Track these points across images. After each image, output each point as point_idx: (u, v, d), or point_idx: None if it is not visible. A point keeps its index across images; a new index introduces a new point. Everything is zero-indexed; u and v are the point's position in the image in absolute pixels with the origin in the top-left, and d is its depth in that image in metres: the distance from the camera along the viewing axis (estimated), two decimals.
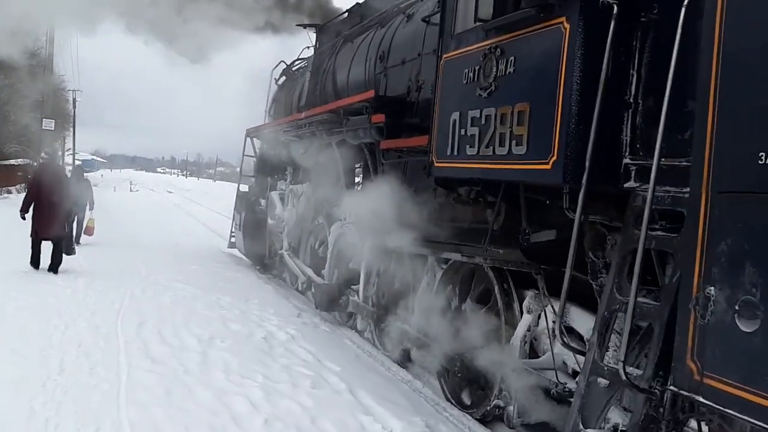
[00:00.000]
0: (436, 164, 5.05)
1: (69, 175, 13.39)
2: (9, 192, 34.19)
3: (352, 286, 8.49)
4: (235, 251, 14.21)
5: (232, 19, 12.34)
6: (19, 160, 37.32)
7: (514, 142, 4.00)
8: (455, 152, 4.74)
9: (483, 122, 4.37)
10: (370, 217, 8.22)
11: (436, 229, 6.10)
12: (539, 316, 5.09)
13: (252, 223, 12.36)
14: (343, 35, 9.99)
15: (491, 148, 4.25)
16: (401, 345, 7.00)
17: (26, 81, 34.38)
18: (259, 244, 12.25)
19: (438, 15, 6.50)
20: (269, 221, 11.04)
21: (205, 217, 25.58)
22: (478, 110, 4.43)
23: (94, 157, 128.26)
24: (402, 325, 6.81)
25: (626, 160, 3.64)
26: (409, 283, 6.98)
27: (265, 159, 12.86)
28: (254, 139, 13.20)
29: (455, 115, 4.74)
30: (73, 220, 13.22)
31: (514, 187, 4.45)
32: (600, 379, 3.56)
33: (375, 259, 7.79)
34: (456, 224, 5.77)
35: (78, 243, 13.57)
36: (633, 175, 3.61)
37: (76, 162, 61.48)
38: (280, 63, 13.09)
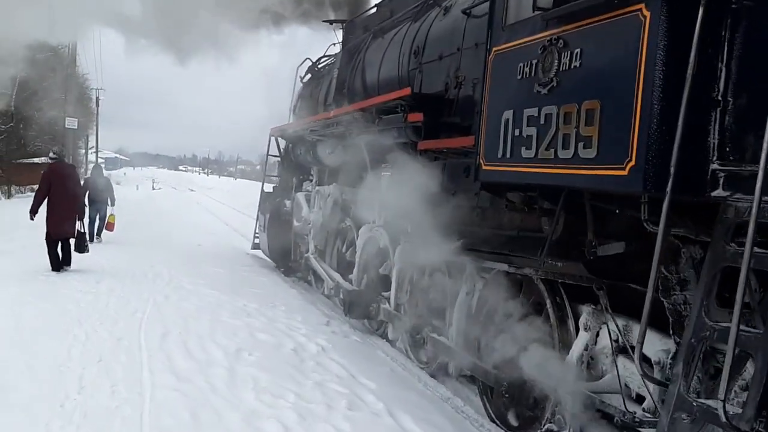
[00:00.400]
0: (484, 167, 4.63)
1: (89, 173, 14.09)
2: (33, 190, 34.28)
3: (383, 293, 8.11)
4: (259, 252, 13.90)
5: (255, 16, 12.04)
6: (42, 158, 37.49)
7: (581, 145, 3.56)
8: (508, 155, 4.32)
9: (542, 122, 3.94)
10: (402, 221, 7.87)
11: (477, 236, 5.70)
12: (597, 334, 4.66)
13: (277, 224, 12.02)
14: (373, 30, 9.59)
15: (552, 150, 3.82)
16: (438, 358, 6.60)
17: (49, 79, 34.50)
18: (283, 247, 11.91)
19: (479, 7, 6.10)
20: (295, 223, 10.68)
21: (228, 216, 25.36)
22: (536, 108, 4.00)
23: (117, 155, 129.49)
24: (439, 337, 6.41)
25: (714, 166, 3.19)
26: (446, 292, 6.57)
27: (289, 159, 12.53)
28: (279, 138, 12.85)
29: (508, 114, 4.32)
30: (95, 217, 14.45)
31: (576, 194, 4.02)
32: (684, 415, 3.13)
33: (408, 266, 7.40)
34: (501, 231, 5.34)
35: (99, 238, 14.61)
36: (721, 182, 3.17)
37: (99, 161, 61.94)
38: (305, 60, 12.71)
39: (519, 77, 4.22)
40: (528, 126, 4.09)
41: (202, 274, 10.32)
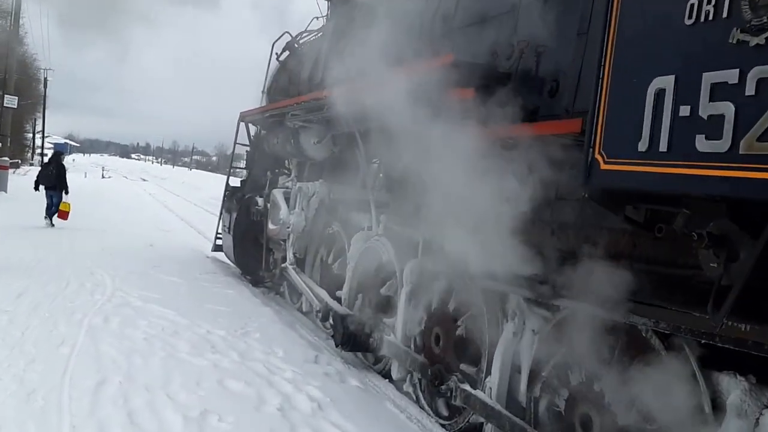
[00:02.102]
0: (604, 166, 2.99)
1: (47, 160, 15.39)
2: None
3: (385, 320, 6.44)
4: (221, 256, 12.07)
5: None
6: None
7: None
8: (659, 146, 2.69)
9: (749, 92, 2.33)
10: (417, 232, 6.21)
11: (550, 262, 4.09)
12: (757, 420, 3.08)
13: (245, 226, 10.20)
14: None
15: None
16: (468, 416, 4.97)
17: None
18: (253, 253, 10.12)
19: None
20: (270, 226, 8.88)
21: (184, 211, 23.26)
22: (735, 71, 2.39)
23: (67, 141, 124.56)
24: (474, 392, 4.78)
25: None
26: (481, 329, 4.94)
27: (262, 149, 10.73)
28: (249, 124, 11.02)
29: (662, 82, 2.69)
30: (50, 203, 14.79)
31: None
32: None
33: (424, 289, 5.75)
34: (598, 258, 3.71)
35: (51, 224, 14.57)
36: None
37: (47, 146, 58.60)
38: (283, 34, 10.90)
39: (690, 20, 2.59)
40: (713, 100, 2.47)
41: (154, 285, 8.46)
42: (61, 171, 15.35)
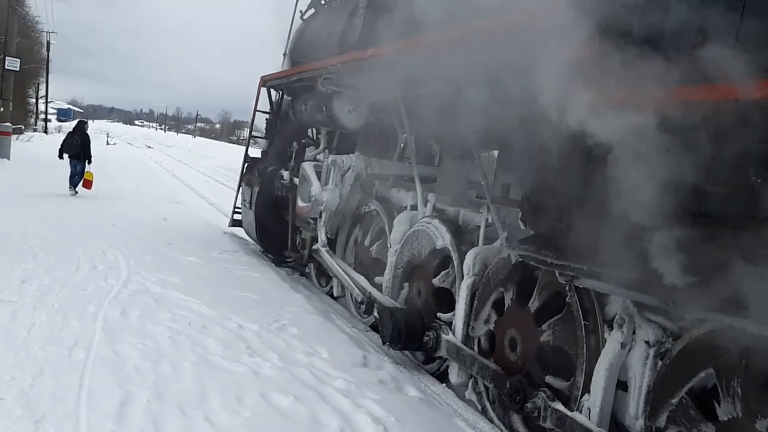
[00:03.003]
0: None
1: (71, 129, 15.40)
2: None
3: (440, 315, 5.65)
4: (238, 231, 11.27)
5: None
6: None
7: None
8: None
9: None
10: (477, 214, 5.41)
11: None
12: None
13: (268, 201, 9.35)
14: None
15: None
16: None
17: None
18: (277, 231, 9.30)
19: None
20: (299, 203, 8.03)
21: (193, 180, 22.44)
22: None
23: (71, 107, 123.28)
24: (570, 413, 3.98)
25: None
26: (575, 336, 4.14)
27: (287, 117, 9.84)
28: (271, 90, 10.11)
29: None
30: (73, 172, 14.91)
31: None
32: None
33: (492, 283, 4.93)
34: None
35: (75, 192, 14.69)
36: None
37: (50, 111, 57.56)
38: None
39: None
40: None
41: (173, 267, 7.65)
42: (86, 140, 15.42)
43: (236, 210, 11.18)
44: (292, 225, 8.86)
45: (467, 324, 5.18)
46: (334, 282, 7.88)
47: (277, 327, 5.78)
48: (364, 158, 7.40)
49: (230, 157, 38.33)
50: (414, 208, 6.72)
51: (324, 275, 8.71)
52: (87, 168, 15.07)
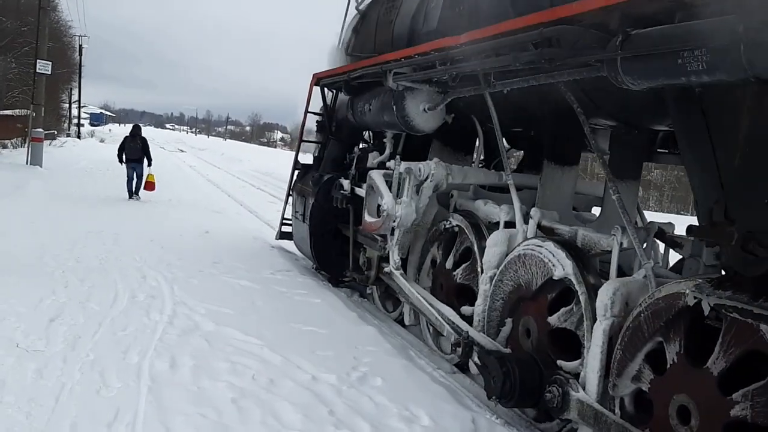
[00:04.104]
0: None
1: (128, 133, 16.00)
2: (4, 146, 30.02)
3: (562, 364, 4.51)
4: (287, 244, 10.28)
5: None
6: (17, 110, 33.10)
7: None
8: None
9: None
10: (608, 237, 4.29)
11: None
12: None
13: (325, 214, 8.29)
14: None
15: None
16: None
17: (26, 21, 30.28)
18: (335, 248, 8.25)
19: None
20: (366, 218, 6.94)
21: (230, 186, 21.54)
22: None
23: (103, 111, 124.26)
24: None
25: None
26: None
27: (343, 118, 8.77)
28: (325, 89, 9.03)
29: None
30: (132, 176, 15.32)
31: None
32: None
33: (647, 328, 3.79)
34: None
35: (137, 196, 15.18)
36: None
37: (83, 115, 57.48)
38: None
39: None
40: None
41: (223, 293, 6.63)
42: (146, 143, 15.93)
43: (285, 221, 10.17)
44: (353, 241, 7.79)
45: (604, 379, 4.05)
46: (406, 309, 6.81)
47: (357, 377, 4.69)
48: (444, 166, 6.30)
49: (265, 160, 37.56)
50: (509, 225, 5.63)
51: (390, 298, 7.64)
52: (148, 171, 15.55)
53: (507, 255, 5.27)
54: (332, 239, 8.36)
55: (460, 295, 6.03)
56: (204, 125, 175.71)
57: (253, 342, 5.12)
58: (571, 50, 4.10)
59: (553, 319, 4.66)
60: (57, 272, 6.88)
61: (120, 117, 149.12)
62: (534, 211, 5.29)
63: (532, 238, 5.06)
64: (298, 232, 9.08)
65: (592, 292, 4.28)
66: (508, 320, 5.19)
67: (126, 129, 29.29)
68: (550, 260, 4.67)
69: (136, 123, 18.32)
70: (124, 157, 15.50)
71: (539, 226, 5.25)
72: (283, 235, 10.21)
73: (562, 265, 4.55)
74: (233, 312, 5.99)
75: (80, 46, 46.86)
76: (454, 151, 7.13)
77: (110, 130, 74.33)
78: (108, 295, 6.15)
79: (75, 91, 55.55)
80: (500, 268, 5.24)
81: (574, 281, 4.46)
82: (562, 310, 4.62)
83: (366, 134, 9.12)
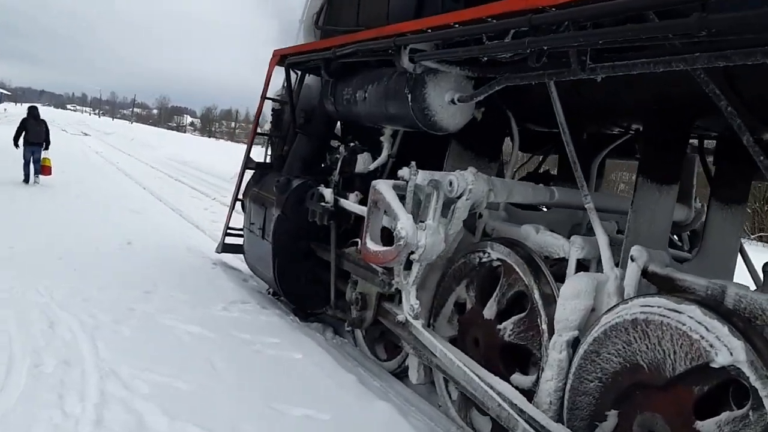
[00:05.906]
0: None
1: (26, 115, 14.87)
2: None
3: None
4: (229, 258, 8.38)
5: None
6: None
7: None
8: None
9: None
10: None
11: None
12: None
13: (297, 231, 6.43)
14: None
15: None
16: None
17: None
18: (307, 276, 6.43)
19: None
20: (368, 244, 5.09)
21: (144, 176, 19.03)
22: None
23: None
24: None
25: None
26: None
27: (317, 108, 6.90)
28: (291, 69, 7.09)
29: None
30: (29, 159, 14.35)
31: None
32: None
33: None
34: None
35: (37, 182, 14.33)
36: None
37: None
38: None
39: None
40: None
41: (169, 353, 4.67)
42: (46, 126, 15.16)
43: (229, 231, 8.23)
44: (334, 269, 5.98)
45: None
46: (413, 363, 5.10)
47: None
48: (486, 179, 4.59)
49: (179, 147, 34.67)
50: (583, 266, 4.07)
51: (382, 341, 5.95)
52: (44, 154, 14.73)
53: (594, 311, 3.72)
54: (302, 259, 6.53)
55: (506, 358, 4.38)
56: (108, 107, 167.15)
57: None
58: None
59: (708, 427, 3.06)
60: None
61: (17, 96, 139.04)
62: (637, 251, 3.70)
63: (652, 295, 3.44)
64: (254, 249, 7.14)
65: None
66: (612, 413, 3.56)
67: (23, 109, 26.14)
68: (703, 337, 3.06)
69: (33, 104, 16.51)
70: (23, 139, 14.54)
71: (645, 273, 3.68)
72: (227, 248, 8.28)
73: (728, 348, 2.96)
74: (188, 387, 4.08)
75: None
76: (476, 157, 5.43)
77: (5, 109, 68.03)
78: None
79: None
80: (594, 335, 3.60)
81: (750, 374, 2.88)
82: (726, 415, 3.03)
83: (337, 128, 7.32)
